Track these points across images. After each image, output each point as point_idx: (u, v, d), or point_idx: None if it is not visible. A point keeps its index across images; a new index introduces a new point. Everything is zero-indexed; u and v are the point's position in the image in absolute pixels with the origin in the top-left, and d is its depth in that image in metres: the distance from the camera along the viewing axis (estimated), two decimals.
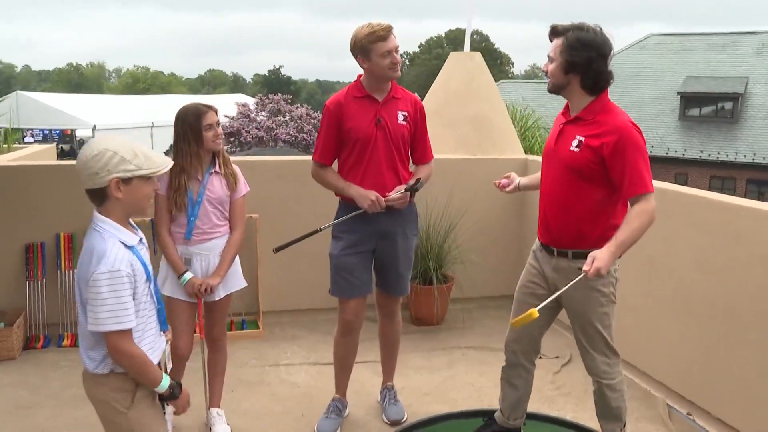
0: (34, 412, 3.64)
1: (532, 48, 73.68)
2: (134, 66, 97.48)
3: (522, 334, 3.08)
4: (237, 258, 3.32)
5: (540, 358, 4.39)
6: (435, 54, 56.46)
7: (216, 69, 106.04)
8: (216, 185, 3.16)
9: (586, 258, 2.59)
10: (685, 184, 25.73)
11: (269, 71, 79.99)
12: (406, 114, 3.26)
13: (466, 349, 4.59)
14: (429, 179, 3.42)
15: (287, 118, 23.94)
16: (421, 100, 3.49)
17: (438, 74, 6.03)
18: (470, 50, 6.00)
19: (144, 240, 2.20)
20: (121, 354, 2.04)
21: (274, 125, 23.12)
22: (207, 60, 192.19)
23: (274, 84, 68.17)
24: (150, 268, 2.17)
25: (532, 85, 32.05)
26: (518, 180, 3.26)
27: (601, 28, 2.68)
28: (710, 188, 25.86)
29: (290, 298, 5.07)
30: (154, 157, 2.08)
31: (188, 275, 3.12)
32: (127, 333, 2.02)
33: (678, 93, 27.97)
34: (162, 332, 2.26)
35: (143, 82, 76.98)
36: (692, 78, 28.48)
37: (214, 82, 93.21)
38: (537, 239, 3.04)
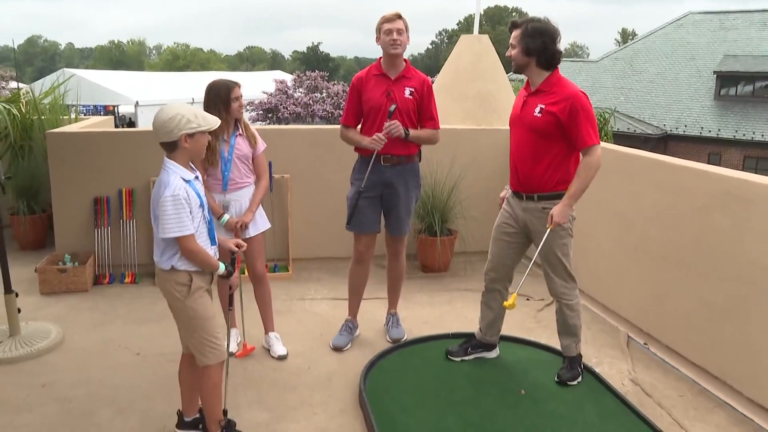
0: (107, 327, 4.54)
1: (574, 24, 72.59)
2: (174, 43, 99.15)
3: (498, 264, 3.83)
4: (261, 206, 4.07)
5: (528, 299, 5.16)
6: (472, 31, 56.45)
7: (255, 46, 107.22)
8: (241, 144, 3.93)
9: (548, 199, 3.38)
10: (718, 163, 25.56)
11: (308, 48, 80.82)
12: (413, 89, 4.01)
13: (465, 290, 5.35)
14: (430, 139, 4.10)
15: (324, 94, 24.66)
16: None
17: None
18: (484, 32, 6.68)
19: (200, 177, 3.00)
20: (189, 251, 2.85)
21: (311, 101, 23.82)
22: (246, 37, 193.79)
23: (312, 61, 68.93)
24: (204, 198, 2.96)
25: (567, 64, 31.18)
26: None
27: (548, 19, 3.39)
28: (744, 167, 25.44)
29: (316, 247, 5.89)
30: (209, 117, 2.90)
31: (226, 216, 3.88)
32: (191, 237, 2.83)
33: (714, 72, 27.69)
34: (213, 246, 3.05)
35: (183, 59, 78.21)
36: (730, 57, 28.05)
37: (253, 59, 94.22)
38: (509, 188, 3.76)
